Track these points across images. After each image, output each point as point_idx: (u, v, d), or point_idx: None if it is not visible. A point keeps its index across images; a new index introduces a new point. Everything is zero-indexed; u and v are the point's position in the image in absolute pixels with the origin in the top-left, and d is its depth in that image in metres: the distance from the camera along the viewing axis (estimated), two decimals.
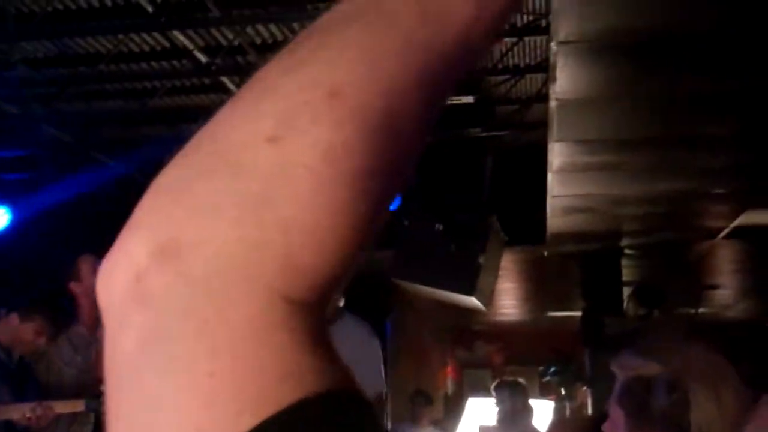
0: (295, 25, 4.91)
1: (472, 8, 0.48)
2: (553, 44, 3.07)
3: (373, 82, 0.45)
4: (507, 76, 5.40)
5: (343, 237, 0.44)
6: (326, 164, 0.43)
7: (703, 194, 5.03)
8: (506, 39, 4.99)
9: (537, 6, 4.63)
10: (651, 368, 1.73)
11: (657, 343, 1.91)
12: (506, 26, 4.75)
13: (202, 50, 5.02)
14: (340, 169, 0.43)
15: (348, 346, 4.40)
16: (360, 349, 4.18)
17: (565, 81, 3.40)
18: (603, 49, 3.14)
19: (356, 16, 0.48)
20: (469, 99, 5.21)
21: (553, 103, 3.66)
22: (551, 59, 3.22)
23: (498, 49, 5.18)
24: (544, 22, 4.44)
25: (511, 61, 5.36)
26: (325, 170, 0.43)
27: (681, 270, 7.04)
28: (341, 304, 4.36)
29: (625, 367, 1.78)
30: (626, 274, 6.84)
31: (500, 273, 6.75)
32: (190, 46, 4.85)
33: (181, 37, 4.80)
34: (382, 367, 4.22)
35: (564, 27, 2.96)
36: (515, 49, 5.07)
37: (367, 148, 0.44)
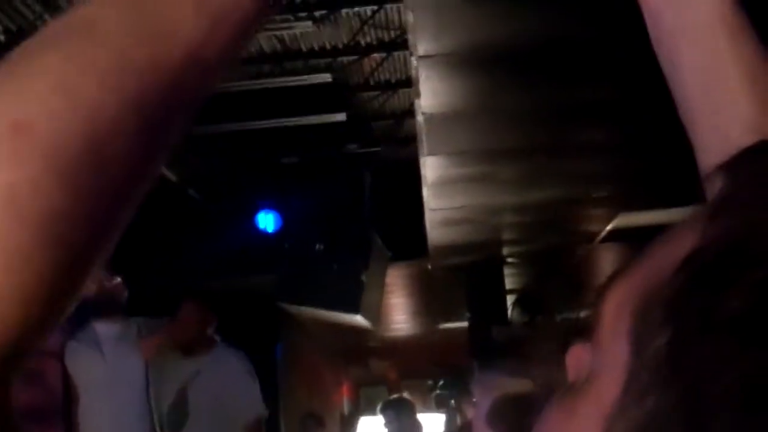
0: None
1: (201, 28, 0.46)
2: (413, 59, 3.04)
3: (70, 112, 0.41)
4: (378, 92, 5.39)
5: (28, 294, 0.39)
6: (5, 206, 0.38)
7: (577, 200, 5.13)
8: (375, 54, 4.98)
9: (404, 21, 4.62)
10: (521, 386, 1.67)
11: (529, 356, 1.85)
12: (374, 42, 4.73)
13: None
14: (22, 212, 0.38)
15: (220, 376, 4.28)
16: (232, 378, 4.09)
17: (430, 95, 3.38)
18: (464, 62, 3.13)
19: (62, 38, 0.44)
20: (342, 116, 5.16)
21: (419, 118, 3.64)
22: (413, 74, 3.19)
23: (368, 64, 5.17)
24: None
25: (381, 77, 5.35)
26: (3, 213, 0.38)
27: (562, 275, 7.18)
28: (213, 334, 4.23)
29: (488, 387, 1.72)
30: (509, 283, 6.93)
31: (387, 289, 6.75)
32: None
33: None
34: (258, 392, 4.13)
35: (422, 42, 2.94)
36: (384, 63, 5.05)
37: (60, 187, 0.40)
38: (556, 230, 6.04)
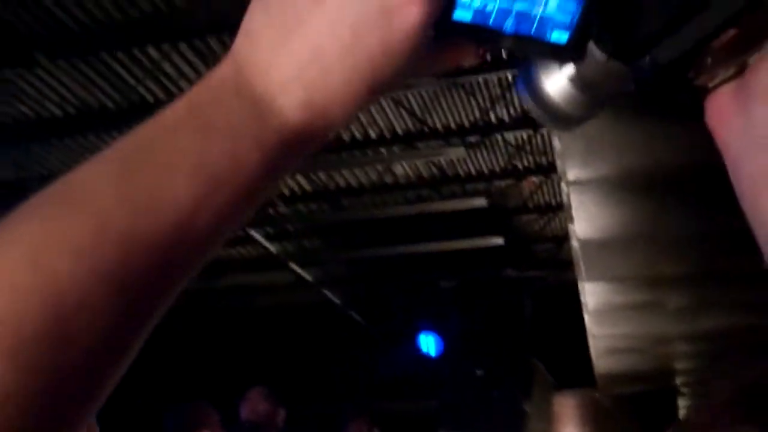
0: (321, 174, 4.95)
1: (194, 196, 0.45)
2: (563, 185, 2.96)
3: (36, 288, 0.41)
4: (536, 215, 5.32)
5: None
6: None
7: (754, 328, 4.74)
8: (533, 178, 4.94)
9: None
10: None
11: None
12: (531, 165, 4.69)
13: None
14: None
15: None
16: None
17: (584, 221, 3.28)
18: (617, 187, 3.02)
19: (44, 205, 0.44)
20: (499, 240, 5.11)
21: (575, 243, 3.52)
22: (565, 200, 3.11)
23: (526, 187, 5.14)
24: None
25: (540, 200, 5.29)
26: None
27: None
28: None
29: None
30: (684, 415, 6.46)
31: (554, 417, 6.47)
32: None
33: None
34: None
35: (572, 167, 2.87)
36: (543, 187, 4.99)
37: (13, 368, 0.39)
38: (733, 358, 5.61)
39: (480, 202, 4.80)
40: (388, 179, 5.11)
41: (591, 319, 4.65)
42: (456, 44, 0.58)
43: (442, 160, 4.84)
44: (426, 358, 6.33)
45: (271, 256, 5.63)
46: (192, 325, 6.35)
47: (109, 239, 0.43)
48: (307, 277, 6.04)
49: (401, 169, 4.98)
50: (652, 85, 0.57)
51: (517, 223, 5.54)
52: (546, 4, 0.59)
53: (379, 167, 4.88)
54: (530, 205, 5.41)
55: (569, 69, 0.61)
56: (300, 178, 5.05)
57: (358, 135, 4.59)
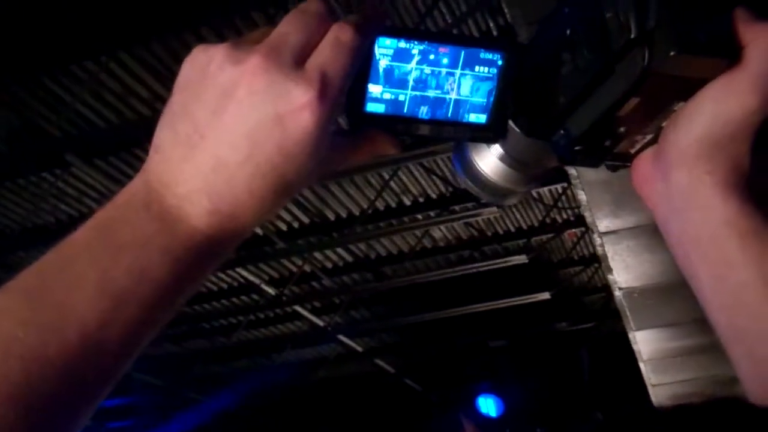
0: (361, 245, 4.96)
1: (102, 310, 0.47)
2: (596, 236, 2.92)
3: None
4: (581, 267, 5.25)
5: None
6: None
7: None
8: (574, 229, 4.89)
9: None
10: None
11: None
12: (570, 217, 4.65)
13: (271, 283, 5.09)
14: None
15: None
16: None
17: (623, 270, 3.22)
18: (650, 234, 2.97)
19: None
20: (545, 295, 5.04)
21: (618, 293, 3.45)
22: (599, 251, 3.06)
23: (568, 239, 5.09)
24: None
25: (584, 251, 5.22)
26: None
27: None
28: None
29: None
30: None
31: None
32: (257, 281, 4.93)
33: (245, 273, 4.88)
34: None
35: (601, 218, 2.83)
36: (586, 237, 4.93)
37: None
38: None
39: (521, 258, 4.76)
40: (428, 243, 5.10)
41: (647, 368, 4.53)
42: (373, 135, 0.58)
43: (479, 221, 4.82)
44: (487, 419, 6.21)
45: (320, 330, 5.63)
46: (248, 403, 6.36)
47: (14, 356, 0.44)
48: (358, 348, 6.02)
49: (439, 232, 4.98)
50: (570, 156, 0.56)
51: (563, 276, 5.47)
52: (458, 88, 0.59)
53: (417, 233, 4.88)
54: (575, 256, 5.34)
55: (496, 148, 0.61)
56: (340, 250, 5.06)
57: (392, 203, 4.60)
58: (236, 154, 0.51)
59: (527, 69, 0.59)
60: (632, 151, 0.59)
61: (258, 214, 0.53)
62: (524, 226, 4.98)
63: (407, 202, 4.62)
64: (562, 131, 0.57)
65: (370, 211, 4.52)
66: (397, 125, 0.58)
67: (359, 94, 0.57)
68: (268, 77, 0.50)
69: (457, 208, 4.53)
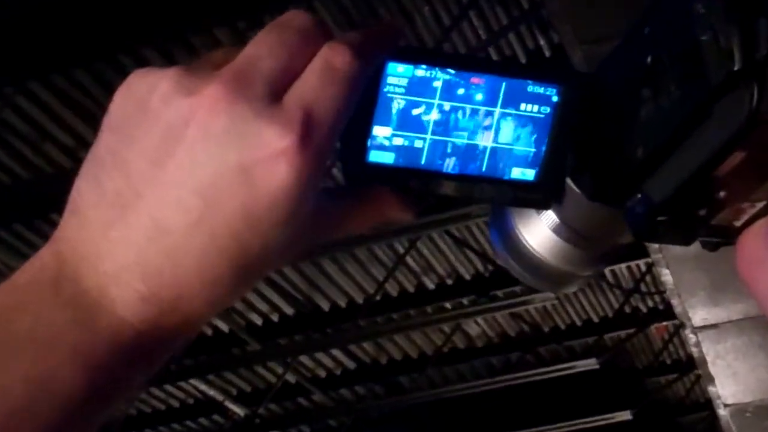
0: (367, 346, 4.97)
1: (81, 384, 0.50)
2: (688, 332, 2.93)
3: None
4: (676, 374, 5.24)
5: None
6: None
7: None
8: (666, 322, 4.89)
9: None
10: None
11: None
12: (646, 309, 4.65)
13: (241, 399, 5.08)
14: None
15: None
16: None
17: (728, 379, 3.21)
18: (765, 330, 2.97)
19: None
20: (625, 415, 5.01)
21: (723, 412, 3.44)
22: (694, 353, 3.06)
23: (656, 337, 5.10)
24: None
25: (680, 352, 5.21)
26: None
27: None
28: None
29: None
30: None
31: None
32: (220, 397, 4.92)
33: (203, 386, 4.89)
34: None
35: (696, 309, 2.84)
36: (680, 333, 4.92)
37: None
38: None
39: (590, 363, 4.74)
40: (460, 343, 5.09)
41: None
42: (379, 194, 0.58)
43: (531, 311, 4.82)
44: None
45: None
46: None
47: None
48: None
49: (476, 327, 4.97)
50: (651, 230, 0.57)
51: (650, 387, 5.44)
52: (497, 133, 0.60)
53: (445, 328, 4.88)
54: (666, 360, 5.32)
55: (549, 216, 0.61)
56: (338, 353, 5.06)
57: (409, 287, 4.61)
58: (183, 218, 0.51)
59: (593, 109, 0.60)
60: (737, 223, 0.60)
61: (212, 301, 0.52)
62: (594, 318, 4.97)
63: (430, 284, 4.63)
64: (639, 195, 0.57)
65: (378, 298, 4.53)
66: (412, 181, 0.59)
67: (360, 139, 0.57)
68: (232, 114, 0.50)
69: (499, 293, 4.54)
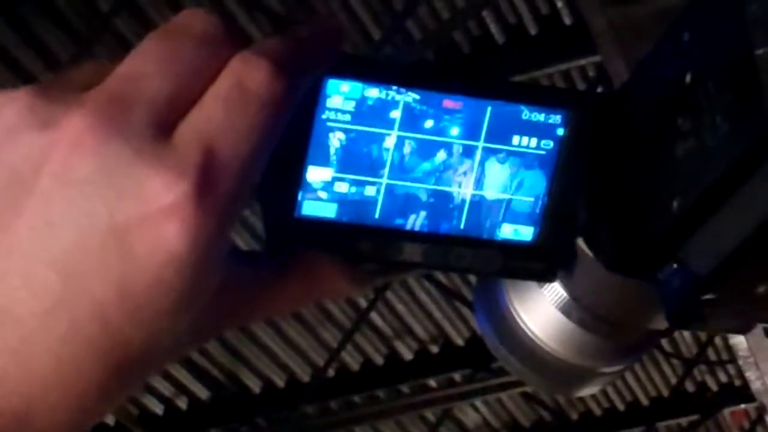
0: None
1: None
2: None
3: None
4: None
5: None
6: None
7: None
8: (743, 405, 4.92)
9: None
10: None
11: None
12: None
13: None
14: None
15: None
16: None
17: None
18: None
19: None
20: None
21: None
22: None
23: (734, 425, 5.13)
24: None
25: None
26: None
27: None
28: None
29: None
30: None
31: None
32: None
33: None
34: None
35: None
36: (758, 429, 4.97)
37: None
38: None
39: None
40: None
41: None
42: (313, 261, 0.60)
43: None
44: None
45: None
46: None
47: None
48: None
49: (474, 414, 4.98)
50: (691, 314, 0.59)
51: None
52: (480, 176, 0.62)
53: (430, 415, 4.89)
54: None
55: (554, 291, 0.63)
56: None
57: (377, 357, 4.61)
58: (34, 301, 0.52)
59: (612, 144, 0.62)
60: None
61: (78, 412, 0.53)
62: (643, 400, 4.98)
63: (407, 354, 4.63)
64: (675, 265, 0.59)
65: (331, 374, 4.53)
66: (362, 244, 0.61)
67: (288, 186, 0.60)
68: (101, 156, 0.51)
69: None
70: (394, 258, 0.61)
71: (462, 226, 0.61)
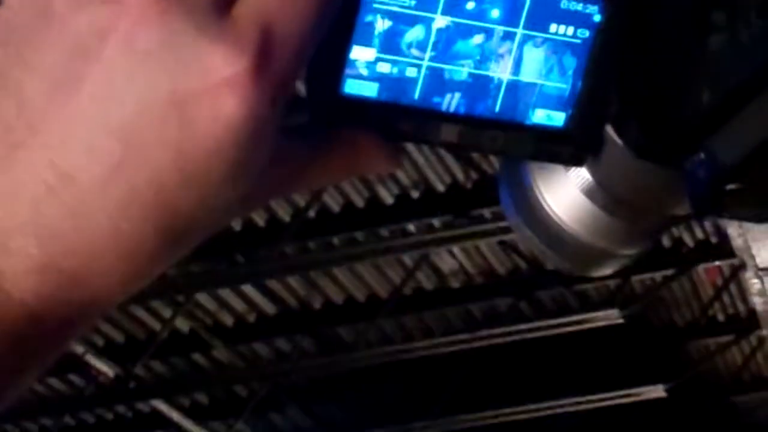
0: (292, 282, 4.99)
1: None
2: (750, 275, 2.99)
3: None
4: (731, 336, 5.31)
5: None
6: None
7: None
8: (718, 262, 4.94)
9: None
10: None
11: None
12: None
13: (108, 353, 5.09)
14: None
15: None
16: None
17: None
18: None
19: None
20: (658, 391, 5.09)
21: None
22: (757, 305, 3.13)
23: (707, 282, 5.14)
24: None
25: (740, 307, 5.28)
26: None
27: None
28: None
29: None
30: None
31: None
32: (80, 350, 4.94)
33: None
34: None
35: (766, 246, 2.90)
36: (731, 286, 5.00)
37: None
38: None
39: (611, 316, 4.79)
40: (427, 282, 5.11)
41: None
42: (355, 138, 0.62)
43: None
44: None
45: None
46: None
47: None
48: None
49: (450, 260, 4.99)
50: (714, 202, 0.61)
51: (694, 352, 5.50)
52: (518, 62, 0.63)
53: (407, 259, 4.91)
54: (718, 316, 5.38)
55: (581, 175, 0.65)
56: (249, 289, 5.06)
57: (358, 199, 4.62)
58: (95, 165, 0.53)
59: (646, 35, 0.63)
60: None
61: (129, 274, 0.56)
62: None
63: (387, 198, 4.63)
64: (702, 155, 0.61)
65: (311, 214, 4.54)
66: (401, 123, 0.62)
67: (333, 65, 0.61)
68: (164, 28, 0.53)
69: (486, 212, 4.55)
70: (430, 137, 0.63)
71: (497, 109, 0.63)
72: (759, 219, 0.63)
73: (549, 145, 0.64)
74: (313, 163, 0.61)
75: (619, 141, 0.64)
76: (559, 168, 0.66)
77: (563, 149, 0.64)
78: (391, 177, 4.51)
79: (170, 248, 0.56)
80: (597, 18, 0.63)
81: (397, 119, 0.62)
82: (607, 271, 0.70)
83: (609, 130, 0.64)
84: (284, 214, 4.61)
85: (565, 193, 0.66)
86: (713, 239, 4.82)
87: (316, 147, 0.61)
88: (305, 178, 0.62)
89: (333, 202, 4.61)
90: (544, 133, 0.64)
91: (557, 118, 0.64)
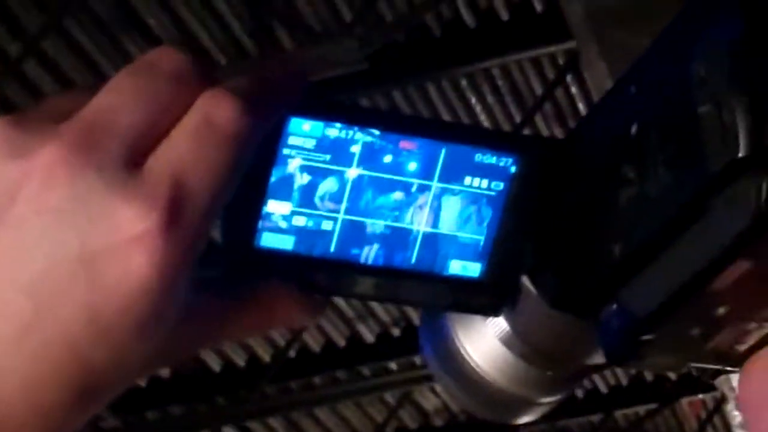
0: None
1: None
2: (733, 408, 2.98)
3: None
4: None
5: None
6: None
7: None
8: (702, 395, 4.93)
9: None
10: None
11: None
12: None
13: None
14: None
15: None
16: None
17: None
18: None
19: None
20: None
21: None
22: None
23: (691, 415, 5.12)
24: None
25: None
26: None
27: None
28: None
29: None
30: None
31: None
32: None
33: None
34: None
35: None
36: (715, 420, 4.98)
37: None
38: None
39: None
40: (411, 421, 5.07)
41: None
42: (271, 291, 0.63)
43: None
44: None
45: None
46: None
47: None
48: None
49: (433, 398, 4.97)
50: (628, 352, 0.61)
51: None
52: (433, 214, 0.63)
53: (390, 398, 4.87)
54: None
55: (498, 325, 0.66)
56: (230, 431, 5.04)
57: (338, 339, 4.60)
58: (6, 324, 0.54)
59: (560, 188, 0.64)
60: (740, 347, 0.64)
61: (43, 430, 0.55)
62: (602, 388, 4.97)
63: (368, 336, 4.63)
64: (615, 306, 0.61)
65: (292, 354, 4.52)
66: (317, 275, 0.63)
67: (249, 218, 0.61)
68: (74, 186, 0.53)
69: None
70: (347, 290, 0.64)
71: (413, 261, 0.63)
72: (675, 368, 0.64)
73: (466, 295, 0.65)
74: (228, 316, 0.61)
75: (534, 291, 0.64)
76: (478, 317, 0.66)
77: (480, 300, 0.65)
78: (371, 315, 4.51)
79: (85, 403, 0.56)
80: (512, 170, 0.63)
81: (313, 272, 0.62)
82: (527, 418, 0.70)
83: (525, 280, 0.64)
84: (264, 353, 4.59)
85: (484, 343, 0.66)
86: (695, 372, 4.79)
87: (231, 300, 0.61)
88: (221, 331, 0.62)
89: (314, 341, 4.60)
90: (460, 284, 0.64)
91: (473, 269, 0.64)
